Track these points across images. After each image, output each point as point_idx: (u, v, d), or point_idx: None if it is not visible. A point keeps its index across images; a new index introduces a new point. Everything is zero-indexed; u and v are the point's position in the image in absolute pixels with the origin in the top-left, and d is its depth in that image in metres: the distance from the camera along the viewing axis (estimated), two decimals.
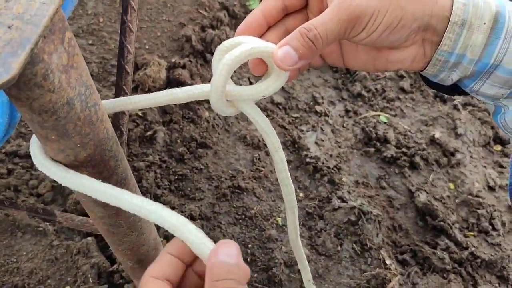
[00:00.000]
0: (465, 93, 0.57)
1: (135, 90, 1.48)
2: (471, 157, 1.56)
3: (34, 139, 0.54)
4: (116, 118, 0.71)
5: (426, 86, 0.58)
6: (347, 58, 0.58)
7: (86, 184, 0.51)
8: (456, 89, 0.57)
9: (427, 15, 0.50)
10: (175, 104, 1.50)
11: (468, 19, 0.50)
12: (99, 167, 0.55)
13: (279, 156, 0.59)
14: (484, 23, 0.49)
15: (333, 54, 0.58)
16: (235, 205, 1.34)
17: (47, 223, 1.20)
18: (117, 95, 0.69)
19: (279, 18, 0.55)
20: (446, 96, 1.71)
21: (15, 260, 1.16)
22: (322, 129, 1.54)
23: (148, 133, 1.42)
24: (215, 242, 0.46)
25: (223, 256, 0.42)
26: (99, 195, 0.51)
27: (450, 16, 0.50)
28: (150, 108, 1.49)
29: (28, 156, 1.32)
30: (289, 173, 0.61)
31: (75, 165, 0.53)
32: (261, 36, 0.55)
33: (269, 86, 0.52)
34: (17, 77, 0.36)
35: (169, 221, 0.47)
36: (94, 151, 0.53)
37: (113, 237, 0.73)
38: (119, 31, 0.64)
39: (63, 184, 0.53)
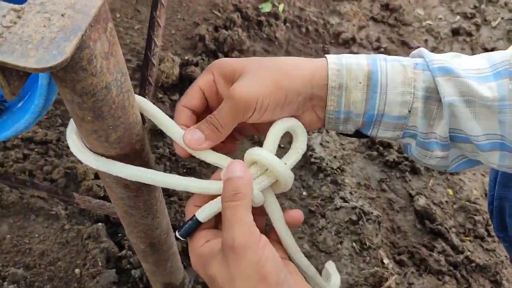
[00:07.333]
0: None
1: None
2: None
3: (71, 126, 0.59)
4: None
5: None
6: (258, 129, 0.64)
7: (116, 168, 0.59)
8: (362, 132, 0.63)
9: (309, 88, 0.56)
10: None
11: (344, 82, 0.56)
12: (126, 149, 0.60)
13: None
14: (360, 82, 0.56)
15: (246, 129, 0.65)
16: None
17: (60, 207, 1.25)
18: (141, 85, 0.73)
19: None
20: None
21: (27, 241, 1.20)
22: (327, 131, 1.59)
23: None
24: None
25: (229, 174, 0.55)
26: (128, 176, 0.59)
27: (328, 83, 0.56)
28: (162, 103, 1.54)
29: (43, 142, 1.37)
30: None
31: (105, 146, 0.58)
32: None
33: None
34: (69, 59, 0.41)
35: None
36: (123, 133, 0.57)
37: (130, 219, 0.77)
38: (148, 26, 0.69)
39: (96, 168, 0.59)
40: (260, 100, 0.55)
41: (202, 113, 0.62)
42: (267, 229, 0.62)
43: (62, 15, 0.43)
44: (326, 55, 0.59)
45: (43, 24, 0.42)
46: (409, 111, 0.56)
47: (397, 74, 0.56)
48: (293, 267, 0.59)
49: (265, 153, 0.56)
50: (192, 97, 0.62)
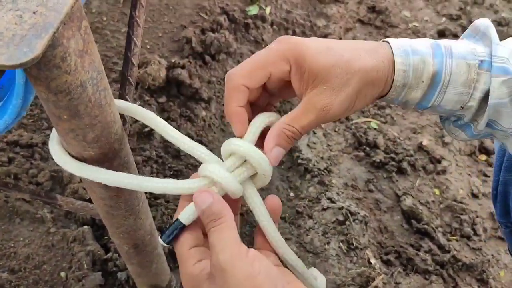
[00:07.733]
0: None
1: (135, 88, 1.52)
2: (457, 165, 1.62)
3: (53, 135, 0.59)
4: None
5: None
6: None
7: (96, 174, 0.58)
8: None
9: (381, 88, 0.58)
10: (174, 102, 1.55)
11: (408, 82, 0.57)
12: (104, 148, 0.60)
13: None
14: (423, 81, 0.57)
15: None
16: None
17: (45, 211, 1.24)
18: (122, 85, 0.73)
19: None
20: None
21: (12, 245, 1.20)
22: (314, 133, 1.60)
23: (146, 129, 1.46)
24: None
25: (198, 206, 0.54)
26: (108, 182, 0.58)
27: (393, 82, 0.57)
28: (149, 105, 1.53)
29: (29, 146, 1.36)
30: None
31: (83, 145, 0.58)
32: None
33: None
34: (40, 56, 0.41)
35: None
36: (101, 132, 0.57)
37: (112, 220, 0.77)
38: (127, 25, 0.69)
39: (77, 175, 0.58)
40: (346, 112, 0.57)
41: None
42: (254, 229, 0.61)
43: (34, 13, 0.43)
44: (391, 46, 0.58)
45: (15, 22, 0.42)
46: (462, 107, 0.58)
47: (461, 75, 0.57)
48: (292, 276, 0.57)
49: (243, 143, 0.56)
50: (255, 80, 0.57)
